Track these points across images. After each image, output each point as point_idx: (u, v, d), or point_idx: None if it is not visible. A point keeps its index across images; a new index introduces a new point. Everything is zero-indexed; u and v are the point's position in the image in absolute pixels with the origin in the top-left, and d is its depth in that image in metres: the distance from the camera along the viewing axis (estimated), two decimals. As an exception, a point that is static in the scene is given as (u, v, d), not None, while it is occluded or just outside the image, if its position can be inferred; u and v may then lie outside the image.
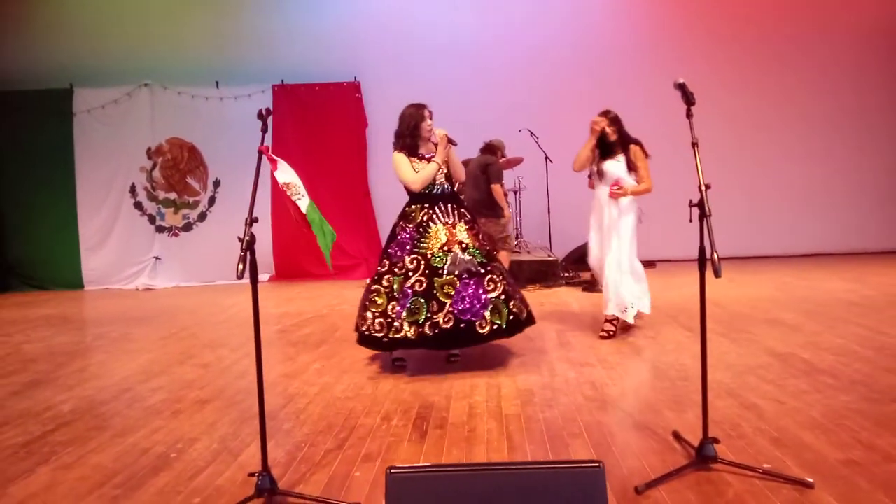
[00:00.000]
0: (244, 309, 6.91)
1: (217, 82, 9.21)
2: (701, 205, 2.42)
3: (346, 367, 4.31)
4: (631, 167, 4.66)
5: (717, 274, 2.31)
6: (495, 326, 3.92)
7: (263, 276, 8.63)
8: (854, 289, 6.45)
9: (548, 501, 1.69)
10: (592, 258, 4.94)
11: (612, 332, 4.75)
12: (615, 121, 4.70)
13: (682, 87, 2.62)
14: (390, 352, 4.18)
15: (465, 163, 6.34)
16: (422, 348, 4.05)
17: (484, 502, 1.72)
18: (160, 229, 9.36)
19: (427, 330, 3.86)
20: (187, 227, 9.36)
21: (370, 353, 4.56)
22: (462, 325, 3.85)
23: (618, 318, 4.76)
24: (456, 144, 4.17)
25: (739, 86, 9.37)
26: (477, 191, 6.63)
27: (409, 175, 4.14)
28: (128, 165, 9.30)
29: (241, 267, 2.21)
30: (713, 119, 9.17)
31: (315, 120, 9.12)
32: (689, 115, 2.56)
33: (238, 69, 9.21)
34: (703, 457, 2.50)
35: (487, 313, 3.90)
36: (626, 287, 4.63)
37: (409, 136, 4.19)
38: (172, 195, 9.38)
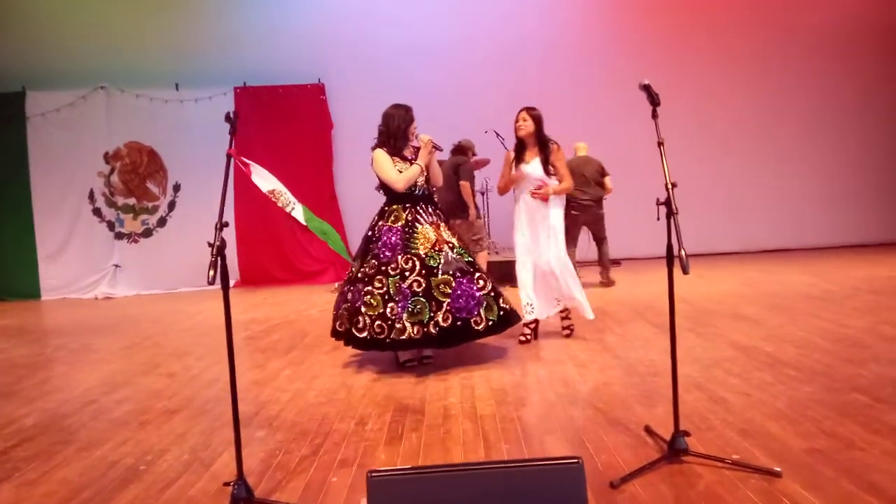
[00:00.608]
0: (209, 317, 6.79)
1: (177, 84, 9.04)
2: (668, 203, 2.47)
3: (316, 372, 4.27)
4: (548, 166, 4.55)
5: (684, 270, 2.36)
6: (490, 322, 4.00)
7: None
8: (815, 283, 6.66)
9: (530, 499, 1.71)
10: (524, 267, 4.65)
11: (529, 337, 4.71)
12: (538, 119, 4.56)
13: (647, 89, 2.67)
14: (390, 352, 4.18)
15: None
16: (425, 347, 4.09)
17: (466, 501, 1.72)
18: (119, 236, 9.13)
19: (431, 329, 3.89)
20: (147, 233, 9.15)
21: (341, 358, 4.54)
22: (459, 323, 3.91)
23: (537, 321, 4.73)
24: (441, 150, 4.22)
25: (707, 82, 9.58)
26: (451, 192, 6.65)
27: (392, 174, 4.14)
28: (85, 171, 9.05)
29: (212, 273, 2.17)
30: (681, 117, 9.40)
31: (279, 123, 9.02)
32: (654, 115, 2.61)
33: (198, 71, 9.04)
34: (674, 450, 2.55)
35: (482, 310, 3.98)
36: (574, 282, 4.66)
37: (398, 138, 4.21)
38: (132, 200, 9.16)
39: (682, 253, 2.37)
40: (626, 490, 2.35)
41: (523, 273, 4.65)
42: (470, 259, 4.20)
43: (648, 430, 2.88)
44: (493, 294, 4.09)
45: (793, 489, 2.27)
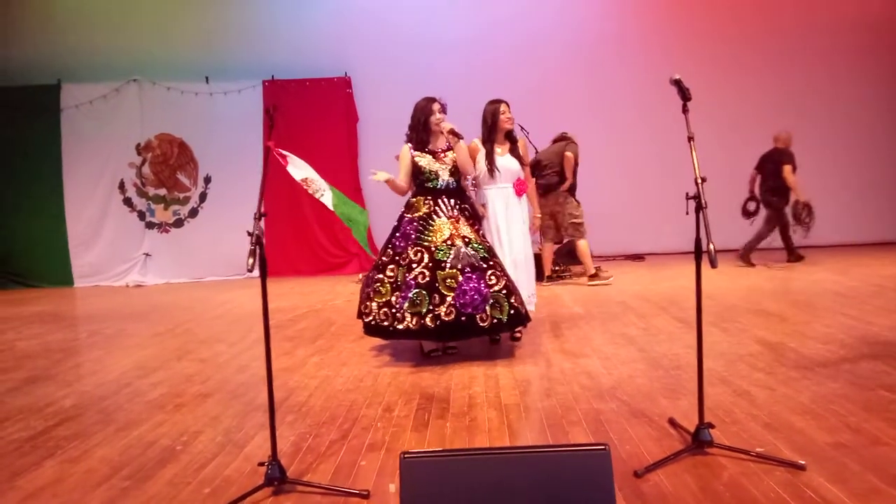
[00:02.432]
0: (238, 305, 6.93)
1: (207, 77, 9.19)
2: (697, 197, 2.49)
3: (344, 360, 4.36)
4: (520, 159, 4.61)
5: (713, 264, 2.39)
6: (495, 321, 3.98)
7: (256, 272, 8.64)
8: (840, 280, 6.59)
9: (557, 483, 1.76)
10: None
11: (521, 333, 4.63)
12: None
13: (678, 83, 2.68)
14: (395, 340, 4.27)
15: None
16: (423, 339, 4.13)
17: (495, 485, 1.78)
18: (150, 226, 9.33)
19: (429, 322, 3.92)
20: (178, 224, 9.34)
21: (368, 346, 4.63)
22: (463, 318, 3.91)
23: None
24: (461, 138, 4.23)
25: (726, 76, 9.47)
26: (556, 175, 7.15)
27: (399, 173, 4.32)
28: (117, 161, 9.25)
29: (251, 261, 2.25)
30: (703, 113, 9.31)
31: (306, 116, 9.13)
32: (685, 110, 2.63)
33: (228, 64, 9.18)
34: (699, 441, 2.58)
35: (489, 307, 3.96)
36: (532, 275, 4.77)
37: (419, 131, 4.27)
38: (162, 191, 9.34)
39: (711, 247, 2.39)
40: (650, 479, 2.39)
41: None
42: (486, 255, 4.12)
43: (672, 422, 2.92)
44: (504, 292, 4.02)
45: (818, 482, 2.30)
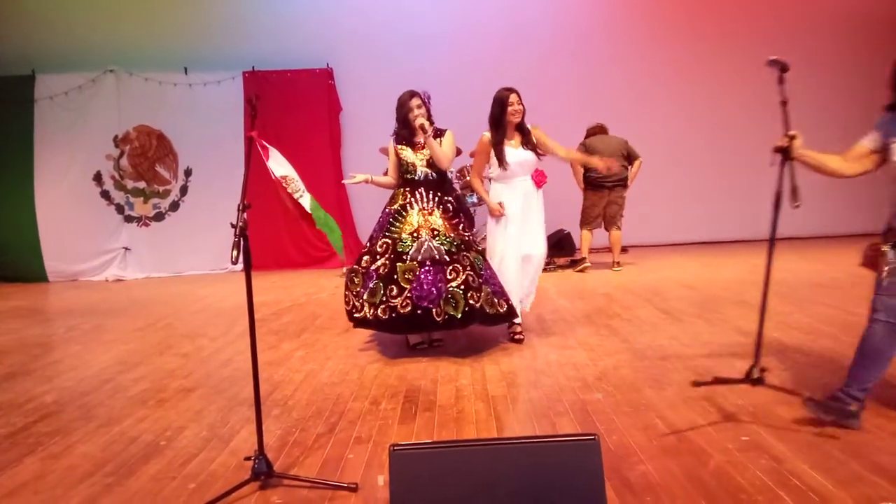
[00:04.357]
0: (221, 299, 6.85)
1: (185, 68, 9.02)
2: (784, 150, 2.89)
3: (329, 353, 4.33)
4: (535, 149, 4.30)
5: (795, 200, 2.79)
6: (447, 316, 3.89)
7: (238, 266, 8.55)
8: (822, 271, 6.69)
9: (548, 473, 1.76)
10: (513, 268, 4.29)
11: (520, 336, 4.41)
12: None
13: (776, 63, 2.98)
14: (395, 334, 4.28)
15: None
16: (379, 330, 4.15)
17: (485, 476, 1.78)
18: (129, 219, 9.15)
19: (380, 312, 3.95)
20: (158, 217, 9.18)
21: (353, 339, 4.60)
22: (419, 312, 3.89)
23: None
24: (427, 133, 4.16)
25: (716, 66, 9.50)
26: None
27: (388, 170, 4.40)
28: (93, 154, 9.04)
29: (235, 252, 2.21)
30: (687, 102, 9.40)
31: (287, 107, 9.01)
32: (780, 81, 3.03)
33: (207, 55, 9.02)
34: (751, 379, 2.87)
35: (442, 302, 3.89)
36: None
37: (402, 126, 4.29)
38: (141, 184, 9.18)
39: (796, 186, 2.81)
40: (638, 469, 2.40)
41: (511, 270, 4.29)
42: (452, 249, 4.02)
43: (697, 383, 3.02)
44: (462, 288, 3.91)
45: (801, 469, 2.33)
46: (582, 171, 7.44)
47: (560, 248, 7.87)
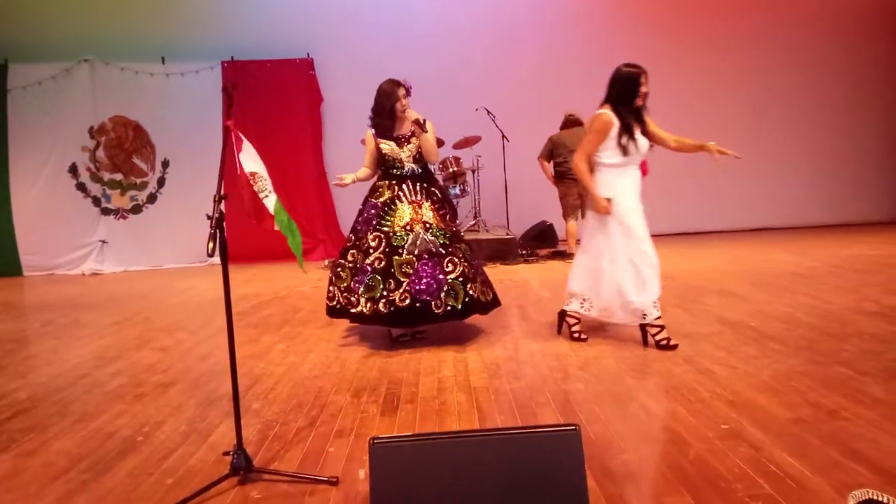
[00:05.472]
0: (200, 292, 6.78)
1: (163, 58, 8.88)
2: None
3: (310, 346, 4.29)
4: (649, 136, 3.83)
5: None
6: (449, 308, 3.92)
7: (216, 258, 8.46)
8: (800, 261, 6.76)
9: (529, 464, 1.76)
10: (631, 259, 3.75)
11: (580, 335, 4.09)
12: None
13: None
14: (377, 326, 4.20)
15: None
16: (377, 324, 4.09)
17: (466, 467, 1.77)
18: (106, 212, 9.02)
19: (381, 307, 3.91)
20: (136, 210, 9.05)
21: (335, 332, 4.57)
22: (418, 305, 3.88)
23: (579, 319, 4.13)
24: (425, 132, 4.14)
25: (698, 62, 9.57)
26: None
27: (365, 160, 4.29)
28: (68, 145, 8.88)
29: (211, 245, 2.17)
30: (669, 96, 9.42)
31: (267, 98, 8.91)
32: None
33: (185, 44, 8.89)
34: None
35: (443, 294, 3.91)
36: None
37: (384, 117, 4.17)
38: (118, 176, 9.04)
39: None
40: (620, 458, 2.41)
41: (620, 267, 3.77)
42: (446, 241, 4.05)
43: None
44: (460, 279, 3.95)
45: (780, 457, 2.35)
46: (551, 164, 7.42)
47: (542, 239, 7.89)
